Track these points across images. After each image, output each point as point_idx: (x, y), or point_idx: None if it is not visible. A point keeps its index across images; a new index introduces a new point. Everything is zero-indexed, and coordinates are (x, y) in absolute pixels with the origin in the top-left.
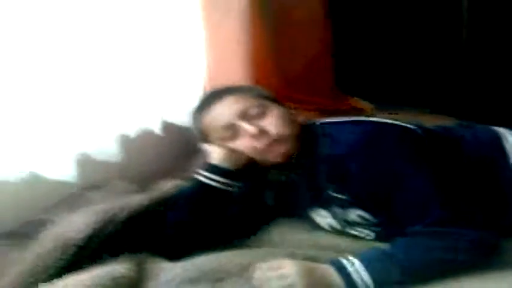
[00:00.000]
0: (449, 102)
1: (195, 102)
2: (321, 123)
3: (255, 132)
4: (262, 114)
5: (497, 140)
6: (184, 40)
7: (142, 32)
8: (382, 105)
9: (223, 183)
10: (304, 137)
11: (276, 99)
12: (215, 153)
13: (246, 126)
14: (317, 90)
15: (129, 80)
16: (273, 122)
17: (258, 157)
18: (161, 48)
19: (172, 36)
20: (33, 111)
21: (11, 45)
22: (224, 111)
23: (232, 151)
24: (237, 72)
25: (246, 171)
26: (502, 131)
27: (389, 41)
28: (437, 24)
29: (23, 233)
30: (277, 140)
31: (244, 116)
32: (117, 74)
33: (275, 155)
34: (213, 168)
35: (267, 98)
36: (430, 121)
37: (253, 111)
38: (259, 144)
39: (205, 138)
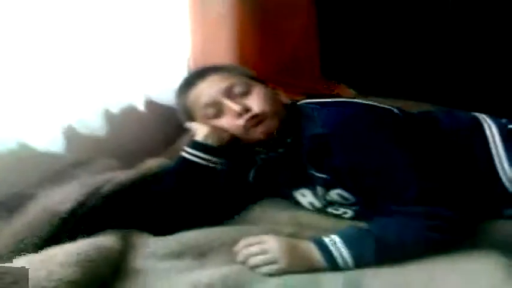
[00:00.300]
0: (432, 90)
1: (179, 81)
2: (304, 103)
3: (238, 109)
4: (246, 93)
5: (478, 125)
6: (170, 19)
7: (128, 10)
8: (365, 93)
9: (206, 159)
10: (287, 116)
11: (260, 79)
12: (199, 131)
13: (230, 103)
14: (302, 74)
15: (115, 56)
16: (256, 100)
17: (241, 134)
18: (146, 26)
19: (157, 15)
20: (22, 83)
21: None
22: (208, 89)
23: (216, 128)
24: (221, 54)
25: (229, 148)
26: (483, 116)
27: (374, 29)
28: (423, 13)
29: (8, 205)
30: (260, 118)
31: (228, 94)
32: (103, 50)
33: (258, 132)
34: (197, 145)
35: (251, 77)
36: (412, 107)
37: (237, 89)
38: (242, 121)
39: (190, 116)
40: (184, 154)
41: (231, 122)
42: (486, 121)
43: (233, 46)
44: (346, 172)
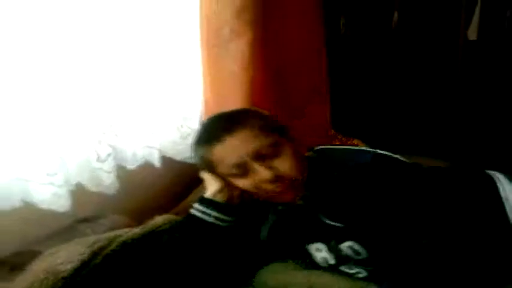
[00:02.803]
0: (445, 148)
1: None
2: (321, 149)
3: (271, 177)
4: (275, 153)
5: (492, 184)
6: (183, 75)
7: (143, 66)
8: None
9: (213, 216)
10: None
11: (284, 128)
12: (210, 185)
13: (261, 169)
14: (313, 130)
15: (129, 113)
16: (287, 165)
17: (266, 198)
18: (160, 82)
19: (171, 71)
20: (29, 137)
21: None
22: (237, 148)
23: (227, 185)
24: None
25: (239, 206)
26: (497, 176)
27: (385, 85)
28: (434, 72)
29: (13, 263)
30: (291, 184)
31: (258, 155)
32: (118, 106)
33: (287, 197)
34: (204, 201)
35: (276, 128)
36: (426, 163)
37: (267, 150)
38: (272, 187)
39: (211, 169)
40: (191, 210)
41: (258, 185)
42: (500, 180)
43: (245, 102)
44: (361, 222)
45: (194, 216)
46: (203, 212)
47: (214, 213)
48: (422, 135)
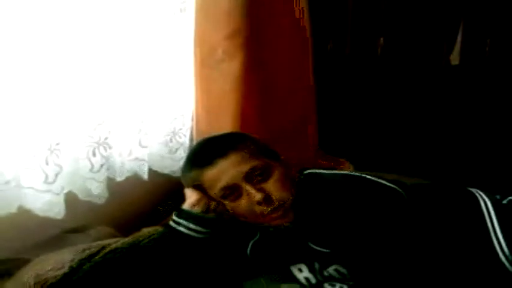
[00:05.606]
0: (428, 166)
1: (182, 151)
2: (309, 173)
3: (260, 198)
4: (266, 176)
5: (474, 201)
6: (175, 90)
7: (136, 79)
8: (362, 168)
9: (190, 228)
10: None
11: (274, 153)
12: (188, 197)
13: (253, 191)
14: (300, 148)
15: (119, 125)
16: (277, 187)
17: (255, 220)
18: (151, 98)
19: (163, 86)
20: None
21: None
22: (228, 171)
23: (204, 196)
24: (224, 127)
25: (221, 219)
26: (477, 192)
27: (372, 105)
28: (417, 95)
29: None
30: (280, 207)
31: (249, 178)
32: (108, 119)
33: (277, 221)
34: (182, 213)
35: (266, 152)
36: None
37: (258, 172)
38: (261, 209)
39: (200, 189)
40: (169, 221)
41: (249, 207)
42: (481, 197)
43: (234, 120)
44: (348, 248)
45: (171, 227)
46: (179, 223)
47: (189, 225)
48: (406, 156)
